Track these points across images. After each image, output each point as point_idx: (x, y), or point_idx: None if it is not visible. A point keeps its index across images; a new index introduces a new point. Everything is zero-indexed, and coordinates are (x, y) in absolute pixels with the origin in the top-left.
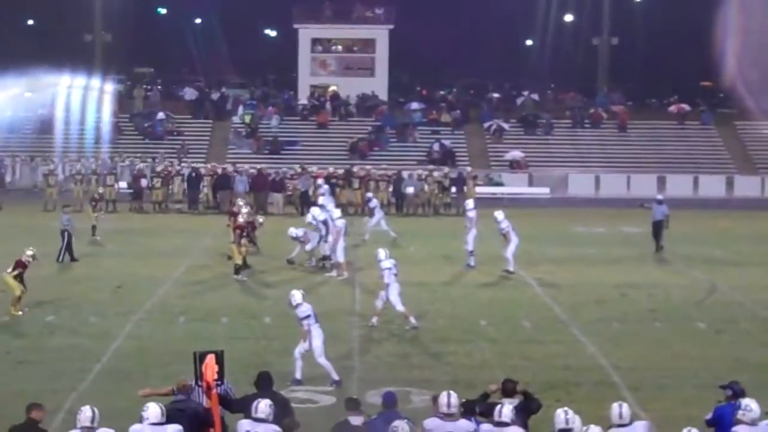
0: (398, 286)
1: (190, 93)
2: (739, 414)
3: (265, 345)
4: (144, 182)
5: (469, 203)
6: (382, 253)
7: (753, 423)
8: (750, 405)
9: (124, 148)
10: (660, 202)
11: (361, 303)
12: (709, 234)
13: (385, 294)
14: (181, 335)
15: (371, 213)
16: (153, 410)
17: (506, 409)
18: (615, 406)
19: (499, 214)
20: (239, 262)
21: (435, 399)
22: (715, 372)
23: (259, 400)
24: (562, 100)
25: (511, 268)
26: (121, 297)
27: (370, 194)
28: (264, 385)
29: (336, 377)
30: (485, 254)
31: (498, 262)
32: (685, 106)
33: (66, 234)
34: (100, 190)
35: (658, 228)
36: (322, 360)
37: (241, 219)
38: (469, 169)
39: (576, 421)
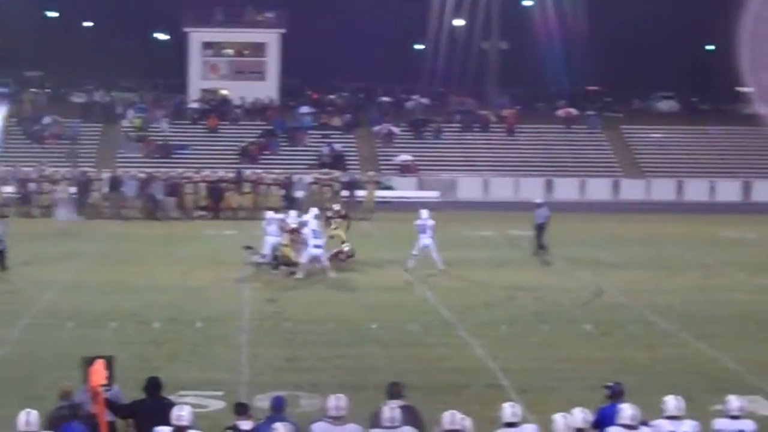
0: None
1: (79, 97)
2: (617, 417)
3: (154, 350)
4: (31, 186)
5: (423, 213)
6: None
7: (629, 426)
8: (626, 409)
9: (12, 153)
10: (540, 204)
11: (250, 307)
12: (596, 237)
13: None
14: (69, 340)
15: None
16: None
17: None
18: (507, 406)
19: (423, 213)
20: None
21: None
22: (601, 373)
23: (182, 406)
24: (452, 104)
25: (441, 266)
26: (8, 302)
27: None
28: (153, 390)
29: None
30: (376, 257)
31: (387, 265)
32: (573, 111)
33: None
34: None
35: (540, 231)
36: None
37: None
38: (371, 173)
39: (467, 423)
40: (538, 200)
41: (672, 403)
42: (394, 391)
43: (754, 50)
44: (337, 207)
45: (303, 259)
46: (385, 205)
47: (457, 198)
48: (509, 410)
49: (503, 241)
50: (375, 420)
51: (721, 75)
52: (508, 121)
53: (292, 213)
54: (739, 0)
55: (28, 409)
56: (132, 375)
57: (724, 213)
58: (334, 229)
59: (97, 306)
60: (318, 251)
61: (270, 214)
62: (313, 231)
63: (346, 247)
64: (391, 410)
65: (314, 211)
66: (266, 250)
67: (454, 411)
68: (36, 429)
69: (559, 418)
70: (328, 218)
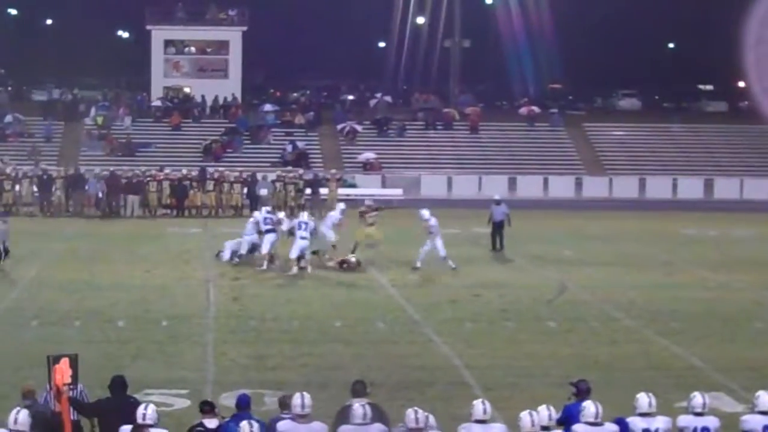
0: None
1: (41, 94)
2: (581, 415)
3: (119, 348)
4: None
5: (425, 213)
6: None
7: (594, 423)
8: (589, 407)
9: None
10: (498, 202)
11: (215, 305)
12: (559, 234)
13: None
14: (33, 339)
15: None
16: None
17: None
18: (478, 402)
19: (425, 212)
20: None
21: (282, 403)
22: (566, 370)
23: (147, 404)
24: (415, 102)
25: (452, 264)
26: None
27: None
28: (118, 389)
29: None
30: (340, 255)
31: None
32: (535, 108)
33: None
34: None
35: (498, 228)
36: None
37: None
38: (333, 171)
39: (431, 420)
40: (497, 197)
41: (645, 400)
42: (358, 389)
43: (760, 54)
44: (369, 202)
45: (292, 254)
46: (348, 203)
47: (420, 195)
48: (480, 407)
49: (467, 239)
50: (342, 417)
51: (682, 73)
52: (471, 119)
53: (264, 209)
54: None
55: (18, 407)
56: (97, 374)
57: (686, 210)
58: (371, 225)
59: (61, 305)
60: (304, 243)
61: (256, 214)
62: (305, 223)
63: (352, 258)
64: (362, 407)
65: (341, 206)
66: (244, 248)
67: (417, 408)
68: (26, 428)
69: (525, 415)
70: (362, 213)
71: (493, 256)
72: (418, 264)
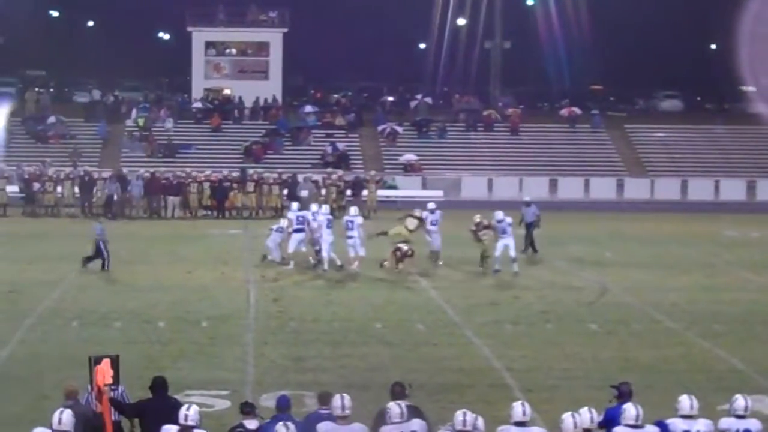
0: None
1: (83, 96)
2: (621, 418)
3: (159, 349)
4: (36, 186)
5: (500, 214)
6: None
7: (634, 426)
8: (629, 409)
9: (16, 152)
10: (528, 204)
11: (255, 306)
12: (600, 235)
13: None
14: (74, 340)
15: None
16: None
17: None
18: (518, 404)
19: (500, 213)
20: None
21: (320, 397)
22: (607, 372)
23: (190, 405)
24: (456, 103)
25: (516, 269)
26: (13, 302)
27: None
28: (158, 389)
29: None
30: (381, 257)
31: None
32: (576, 110)
33: (102, 243)
34: None
35: (529, 230)
36: None
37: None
38: (373, 172)
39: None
40: (527, 198)
41: (687, 402)
42: (397, 391)
43: (755, 50)
44: (478, 219)
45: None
46: (389, 204)
47: (461, 197)
48: (519, 409)
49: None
50: (381, 418)
51: (724, 74)
52: (512, 120)
53: (294, 205)
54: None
55: (62, 408)
56: (138, 374)
57: (729, 212)
58: (485, 237)
59: (102, 306)
60: (351, 241)
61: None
62: (351, 221)
63: (404, 246)
64: (398, 405)
65: (432, 205)
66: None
67: (466, 410)
68: (69, 428)
69: (567, 417)
70: (475, 231)
71: (535, 257)
72: (497, 266)
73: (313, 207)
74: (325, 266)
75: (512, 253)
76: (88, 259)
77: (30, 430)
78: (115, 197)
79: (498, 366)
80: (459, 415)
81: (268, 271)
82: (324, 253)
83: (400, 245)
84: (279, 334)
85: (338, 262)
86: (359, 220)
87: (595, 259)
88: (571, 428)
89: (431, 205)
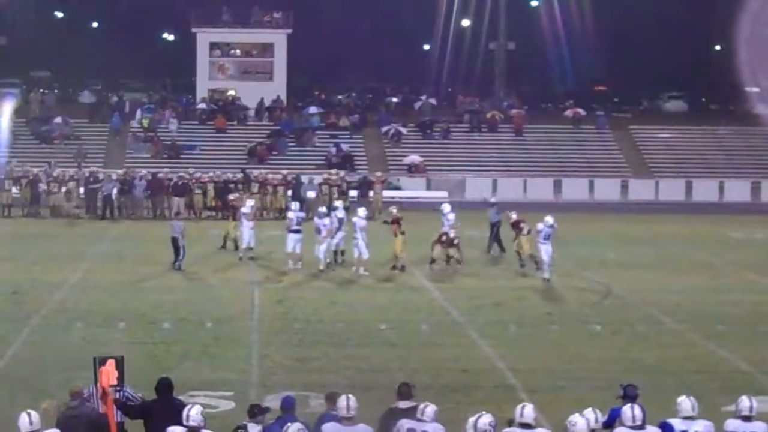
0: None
1: (87, 97)
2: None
3: (164, 350)
4: (40, 187)
5: (550, 219)
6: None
7: (633, 427)
8: (626, 411)
9: (20, 153)
10: (492, 204)
11: (259, 307)
12: (604, 237)
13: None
14: (78, 341)
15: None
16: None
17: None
18: (528, 406)
19: (549, 219)
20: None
21: (329, 398)
22: (611, 373)
23: (191, 406)
24: (460, 104)
25: (548, 276)
26: (17, 302)
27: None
28: (164, 391)
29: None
30: (384, 258)
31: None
32: (581, 111)
33: (180, 241)
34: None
35: (494, 230)
36: None
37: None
38: (379, 173)
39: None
40: (492, 199)
41: (687, 403)
42: (404, 392)
43: (754, 51)
44: (514, 215)
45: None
46: (394, 205)
47: (465, 198)
48: (527, 410)
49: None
50: (387, 421)
51: (729, 75)
52: (516, 121)
53: (294, 205)
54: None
55: (29, 410)
56: (142, 375)
57: (733, 213)
58: (526, 234)
59: (106, 306)
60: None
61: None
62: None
63: (452, 232)
64: (425, 405)
65: (448, 207)
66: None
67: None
68: (39, 428)
69: (580, 419)
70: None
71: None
72: (547, 275)
73: (322, 209)
74: (321, 266)
75: (548, 258)
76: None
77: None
78: (113, 198)
79: (502, 366)
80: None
81: (272, 273)
82: (319, 254)
83: (445, 232)
84: (283, 335)
85: (321, 267)
86: (362, 222)
87: (599, 260)
88: (585, 429)
89: (447, 208)
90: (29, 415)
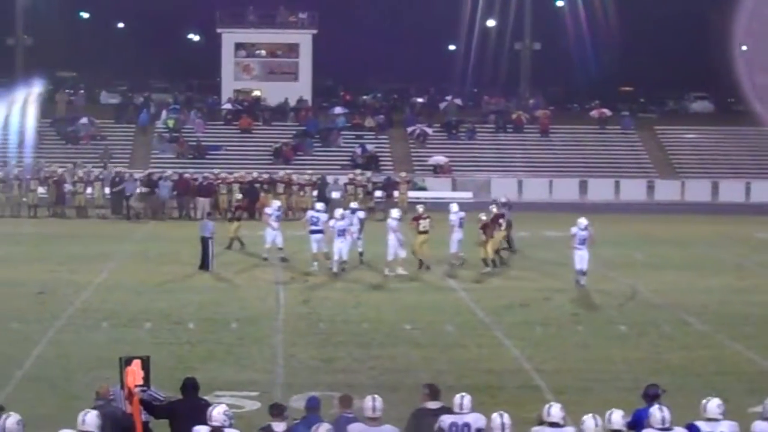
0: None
1: (105, 98)
2: (648, 420)
3: (189, 350)
4: (66, 187)
5: (583, 221)
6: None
7: (661, 429)
8: (655, 413)
9: (46, 154)
10: (505, 204)
11: (284, 307)
12: (630, 238)
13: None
14: (104, 341)
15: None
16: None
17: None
18: (555, 406)
19: (583, 221)
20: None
21: (342, 400)
22: (637, 374)
23: (215, 406)
24: (485, 104)
25: (583, 282)
26: (43, 303)
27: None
28: (189, 391)
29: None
30: (409, 258)
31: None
32: (606, 111)
33: (210, 242)
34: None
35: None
36: None
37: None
38: (403, 174)
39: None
40: (503, 200)
41: (713, 404)
42: (432, 392)
43: (751, 49)
44: (494, 209)
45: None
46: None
47: (490, 199)
48: (554, 409)
49: (538, 242)
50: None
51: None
52: (541, 121)
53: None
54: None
55: (87, 409)
56: (168, 375)
57: (760, 214)
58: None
59: (132, 306)
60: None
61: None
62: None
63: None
64: (461, 397)
65: (456, 207)
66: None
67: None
68: (93, 429)
69: (589, 419)
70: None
71: (565, 259)
72: (583, 282)
73: (338, 211)
74: (335, 267)
75: (585, 265)
76: (203, 262)
77: (58, 430)
78: (135, 198)
79: (528, 367)
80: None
81: (297, 273)
82: (336, 255)
83: (481, 216)
84: (308, 336)
85: (333, 268)
86: (392, 223)
87: (625, 261)
88: (592, 428)
89: (456, 207)
90: (86, 413)
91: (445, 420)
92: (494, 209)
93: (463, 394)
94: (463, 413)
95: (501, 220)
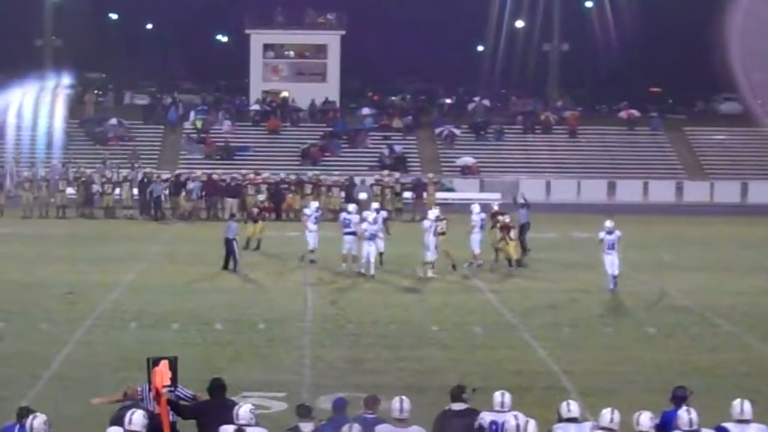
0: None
1: (141, 98)
2: (676, 423)
3: (217, 351)
4: (94, 188)
5: (610, 223)
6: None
7: (689, 431)
8: (683, 416)
9: (75, 154)
10: (522, 205)
11: (312, 308)
12: (659, 239)
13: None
14: (132, 341)
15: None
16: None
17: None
18: (573, 403)
19: (609, 223)
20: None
21: (367, 401)
22: (665, 376)
23: (240, 405)
24: (513, 105)
25: (612, 286)
26: (71, 303)
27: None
28: (216, 391)
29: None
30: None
31: (448, 266)
32: (635, 112)
33: (234, 243)
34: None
35: (522, 231)
36: None
37: (507, 219)
38: (431, 175)
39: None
40: (521, 200)
41: (740, 406)
42: (456, 394)
43: (745, 47)
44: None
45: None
46: (446, 206)
47: (580, 201)
48: (573, 406)
49: (566, 243)
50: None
51: None
52: (569, 122)
53: (351, 207)
54: None
55: (134, 408)
56: (195, 376)
57: None
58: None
59: (159, 307)
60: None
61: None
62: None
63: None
64: (501, 395)
65: (477, 208)
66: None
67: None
68: (140, 429)
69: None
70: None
71: (593, 260)
72: (615, 286)
73: (368, 213)
74: (371, 271)
75: (616, 270)
76: (226, 263)
77: (97, 430)
78: (162, 198)
79: (556, 369)
80: (606, 413)
81: (325, 274)
82: (364, 258)
83: (498, 217)
84: (336, 337)
85: (363, 270)
86: (427, 224)
87: (654, 263)
88: (607, 421)
89: (477, 208)
90: (132, 413)
91: (485, 417)
92: (495, 207)
93: (503, 391)
94: (503, 411)
95: (500, 218)
